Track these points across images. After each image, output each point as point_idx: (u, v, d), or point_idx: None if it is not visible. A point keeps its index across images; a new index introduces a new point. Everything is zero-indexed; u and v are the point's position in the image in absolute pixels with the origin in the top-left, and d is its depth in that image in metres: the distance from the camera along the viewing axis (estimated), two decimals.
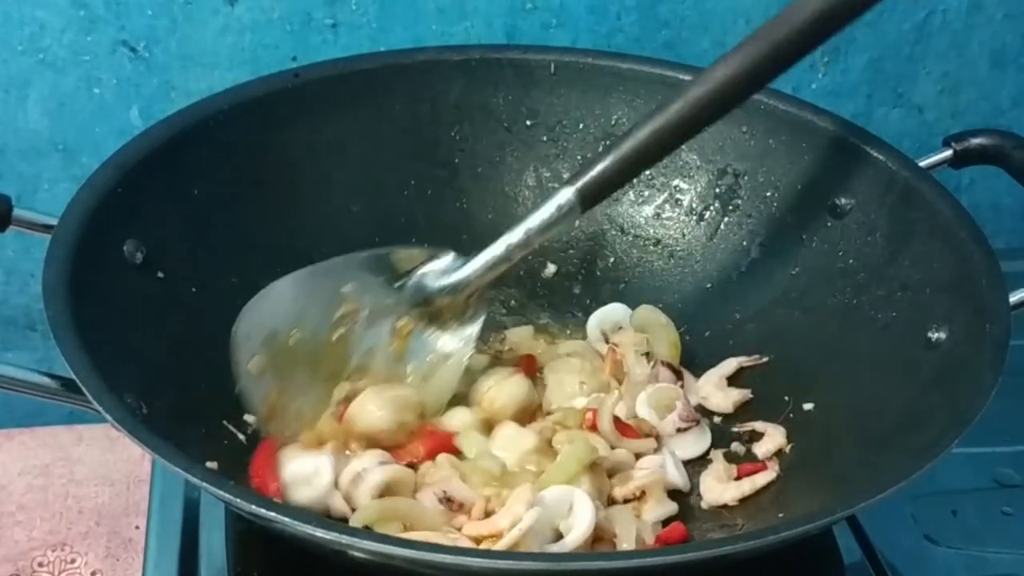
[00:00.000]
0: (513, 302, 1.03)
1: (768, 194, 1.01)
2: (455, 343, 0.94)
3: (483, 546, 0.79)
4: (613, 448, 0.89)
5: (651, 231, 1.05)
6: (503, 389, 0.92)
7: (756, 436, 0.93)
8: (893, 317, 0.91)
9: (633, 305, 1.02)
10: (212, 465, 0.78)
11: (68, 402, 0.78)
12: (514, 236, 0.90)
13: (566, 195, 0.89)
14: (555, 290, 1.05)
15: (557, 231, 0.90)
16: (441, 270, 0.93)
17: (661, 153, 0.91)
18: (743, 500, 0.88)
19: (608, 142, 0.92)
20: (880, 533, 0.91)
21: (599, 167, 0.89)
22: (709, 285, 1.02)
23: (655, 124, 0.88)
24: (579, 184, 0.89)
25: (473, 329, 0.94)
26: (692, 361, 0.99)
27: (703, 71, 0.89)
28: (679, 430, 0.92)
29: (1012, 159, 0.98)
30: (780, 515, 0.86)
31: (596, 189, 0.89)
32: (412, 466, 0.87)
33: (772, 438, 0.92)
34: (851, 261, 0.96)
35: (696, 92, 0.88)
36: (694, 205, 1.04)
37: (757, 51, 0.88)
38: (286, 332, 0.90)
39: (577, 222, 0.94)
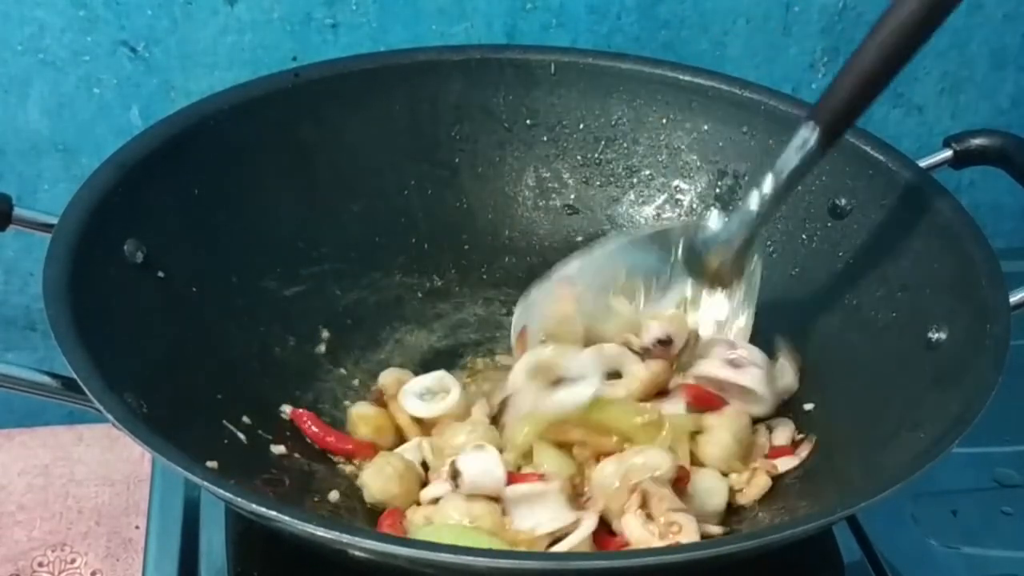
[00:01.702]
0: (514, 304, 1.03)
1: None
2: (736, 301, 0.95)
3: None
4: None
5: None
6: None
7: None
8: (893, 317, 0.91)
9: None
10: (212, 464, 0.78)
11: (68, 401, 0.78)
12: (764, 187, 0.89)
13: (805, 131, 0.87)
14: None
15: (803, 175, 0.89)
16: (710, 232, 0.94)
17: (904, 58, 0.85)
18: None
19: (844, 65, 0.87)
20: (880, 533, 0.91)
21: (837, 92, 0.85)
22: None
23: (890, 27, 0.84)
24: (817, 114, 0.86)
25: (754, 281, 0.94)
26: None
27: None
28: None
29: (1012, 159, 0.98)
30: (779, 514, 0.86)
31: (840, 115, 0.86)
32: None
33: (783, 432, 0.92)
34: (851, 261, 0.96)
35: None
36: (694, 206, 1.04)
37: None
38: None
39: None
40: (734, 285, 0.95)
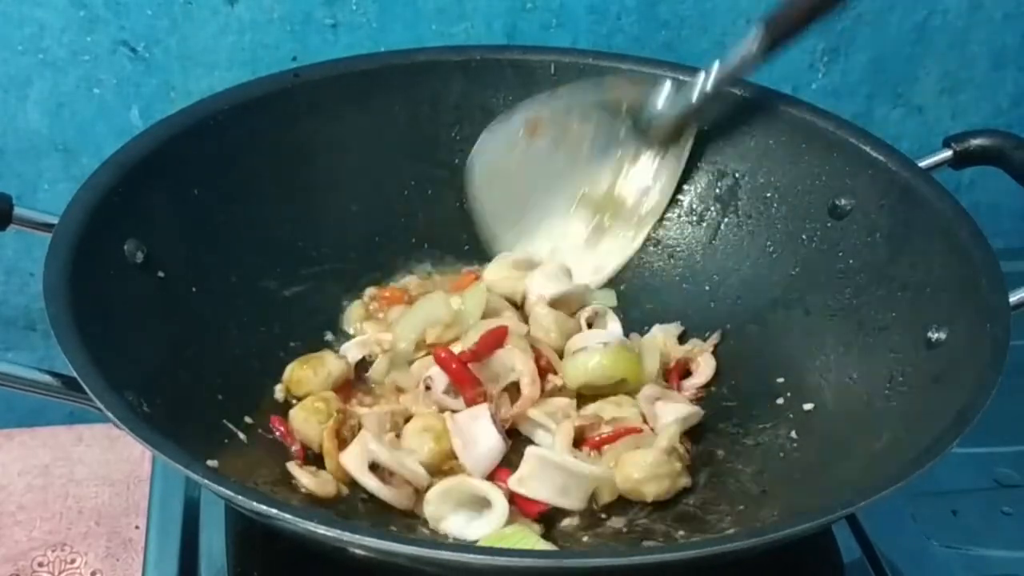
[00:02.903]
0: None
1: (768, 195, 1.01)
2: (670, 164, 1.03)
3: None
4: None
5: (651, 232, 1.05)
6: None
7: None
8: (893, 317, 0.91)
9: (632, 305, 1.02)
10: (213, 463, 0.78)
11: (69, 400, 0.78)
12: (714, 70, 0.98)
13: (753, 32, 0.95)
14: None
15: (747, 67, 0.97)
16: (663, 98, 1.02)
17: None
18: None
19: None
20: (880, 533, 0.91)
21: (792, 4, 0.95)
22: (708, 287, 1.02)
23: None
24: (766, 18, 0.95)
25: (686, 150, 1.03)
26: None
27: None
28: None
29: (1012, 159, 0.98)
30: (779, 514, 0.86)
31: (785, 28, 0.95)
32: None
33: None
34: (851, 261, 0.96)
35: None
36: (694, 206, 1.04)
37: None
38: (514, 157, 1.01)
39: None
40: (666, 153, 1.02)
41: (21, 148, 1.11)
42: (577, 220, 1.03)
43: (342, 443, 0.88)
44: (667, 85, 1.01)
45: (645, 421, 0.93)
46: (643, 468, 0.87)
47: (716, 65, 0.98)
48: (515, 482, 0.85)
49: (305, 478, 0.85)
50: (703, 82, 0.99)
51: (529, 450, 0.87)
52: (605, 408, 0.93)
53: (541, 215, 1.03)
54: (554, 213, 1.03)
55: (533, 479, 0.85)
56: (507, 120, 1.02)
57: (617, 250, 1.03)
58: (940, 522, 0.94)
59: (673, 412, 0.92)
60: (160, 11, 1.08)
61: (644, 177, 1.03)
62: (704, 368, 0.97)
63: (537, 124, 1.01)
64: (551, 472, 0.85)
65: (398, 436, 0.90)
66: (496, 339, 0.91)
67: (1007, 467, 0.99)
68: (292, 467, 0.86)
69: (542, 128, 1.01)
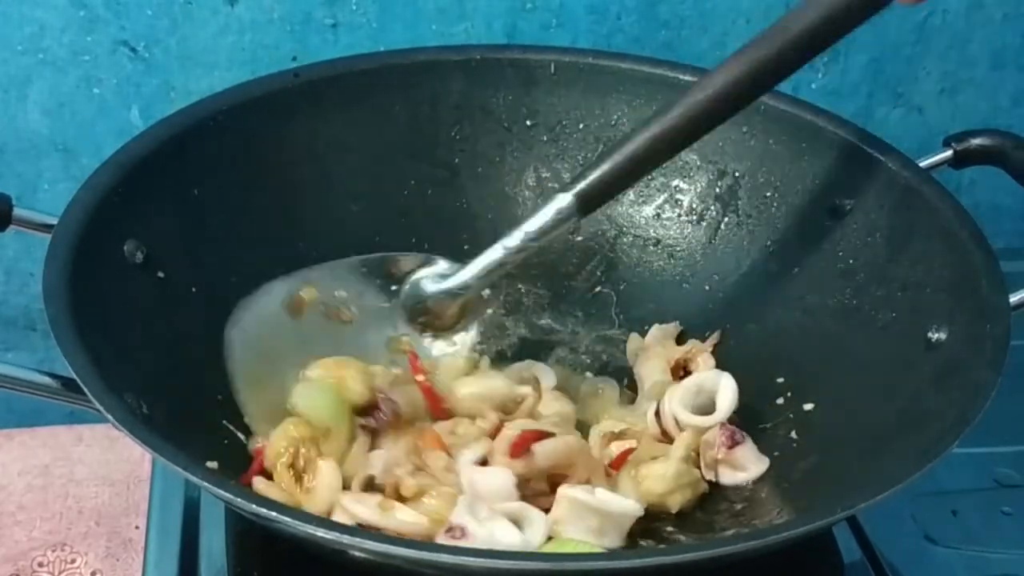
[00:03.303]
0: (513, 304, 1.03)
1: (768, 194, 1.01)
2: (449, 349, 0.95)
3: None
4: None
5: (651, 231, 1.05)
6: None
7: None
8: (893, 317, 0.91)
9: (633, 305, 1.02)
10: (212, 465, 0.78)
11: (68, 402, 0.78)
12: (511, 240, 0.90)
13: (564, 200, 0.88)
14: (555, 291, 1.05)
15: (554, 235, 0.90)
16: (437, 274, 0.95)
17: (661, 158, 0.90)
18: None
19: (606, 147, 0.92)
20: (880, 533, 0.91)
21: (598, 172, 0.88)
22: (708, 286, 1.02)
23: (655, 129, 0.88)
24: (577, 189, 0.88)
25: (469, 336, 0.95)
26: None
27: (704, 76, 0.89)
28: None
29: (1012, 159, 0.98)
30: (779, 514, 0.86)
31: (595, 194, 0.89)
32: None
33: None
34: (851, 261, 0.96)
35: (697, 97, 0.87)
36: (694, 205, 1.04)
37: (758, 56, 0.87)
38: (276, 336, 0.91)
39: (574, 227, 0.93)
40: (456, 329, 0.95)
41: (21, 148, 1.11)
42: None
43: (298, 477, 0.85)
44: (441, 266, 0.95)
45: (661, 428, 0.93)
46: (665, 481, 0.87)
47: (512, 235, 0.90)
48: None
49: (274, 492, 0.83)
50: (488, 256, 0.91)
51: (561, 490, 0.83)
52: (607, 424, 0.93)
53: None
54: None
55: (567, 523, 0.82)
56: (266, 295, 0.93)
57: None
58: (940, 522, 0.94)
59: (690, 417, 0.92)
60: (160, 11, 1.08)
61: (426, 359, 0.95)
62: (703, 368, 0.97)
63: (300, 305, 0.94)
64: (586, 514, 0.82)
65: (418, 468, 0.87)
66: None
67: (1007, 467, 0.99)
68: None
69: (305, 309, 0.94)
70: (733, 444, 0.89)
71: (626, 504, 0.83)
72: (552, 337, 1.01)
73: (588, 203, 0.89)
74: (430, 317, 0.95)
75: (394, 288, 0.95)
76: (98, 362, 0.76)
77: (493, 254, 0.91)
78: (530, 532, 0.81)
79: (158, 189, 0.91)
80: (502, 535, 0.79)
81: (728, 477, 0.90)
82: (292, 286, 0.94)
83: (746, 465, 0.90)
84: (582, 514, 0.82)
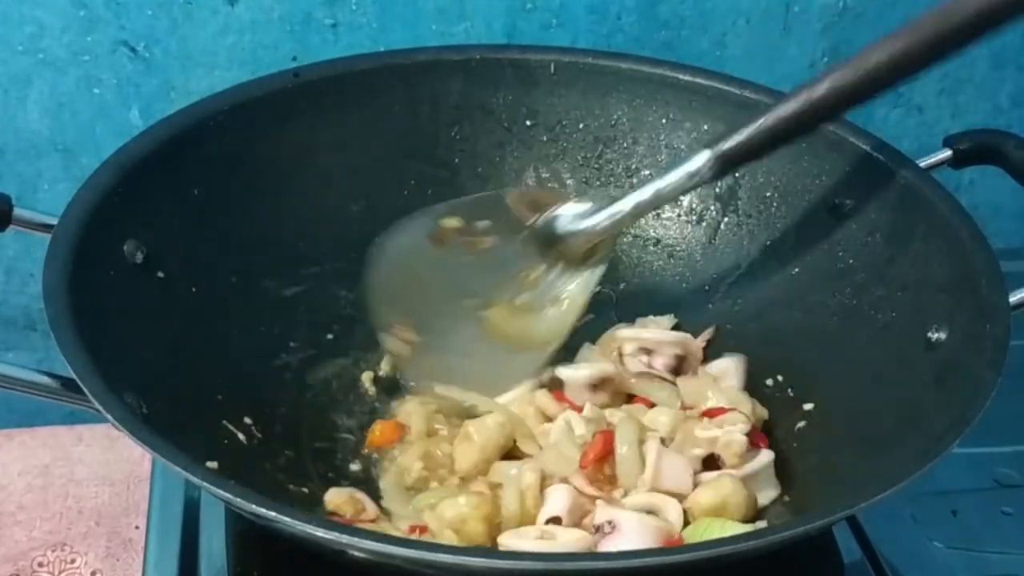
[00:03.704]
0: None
1: (768, 194, 1.01)
2: (577, 286, 0.96)
3: None
4: None
5: (651, 231, 1.05)
6: None
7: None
8: (893, 317, 0.91)
9: (632, 305, 1.02)
10: (212, 465, 0.78)
11: (68, 402, 0.78)
12: (643, 195, 0.92)
13: (702, 158, 0.89)
14: None
15: (685, 192, 0.93)
16: (573, 214, 0.96)
17: (802, 131, 0.90)
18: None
19: (748, 115, 0.92)
20: (880, 533, 0.91)
21: (741, 135, 0.89)
22: (708, 286, 1.02)
23: (800, 101, 0.88)
24: (717, 149, 0.89)
25: (596, 274, 0.96)
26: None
27: (856, 56, 0.88)
28: None
29: (1012, 159, 0.98)
30: (779, 515, 0.86)
31: (734, 158, 0.90)
32: None
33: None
34: (851, 261, 0.96)
35: (843, 74, 0.87)
36: (694, 206, 1.04)
37: (911, 40, 0.87)
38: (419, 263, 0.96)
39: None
40: (576, 271, 0.97)
41: (21, 148, 1.11)
42: (475, 332, 0.97)
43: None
44: (581, 206, 0.96)
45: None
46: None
47: (645, 189, 0.92)
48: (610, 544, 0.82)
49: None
50: (621, 206, 0.93)
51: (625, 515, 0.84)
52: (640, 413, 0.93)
53: (437, 320, 0.97)
54: (452, 319, 0.97)
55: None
56: (418, 220, 0.98)
57: (518, 373, 0.97)
58: (940, 522, 0.94)
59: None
60: (160, 11, 1.08)
61: (550, 293, 0.97)
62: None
63: (443, 235, 0.97)
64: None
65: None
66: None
67: (1007, 467, 0.99)
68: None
69: (448, 239, 0.97)
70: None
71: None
72: None
73: (726, 166, 0.90)
74: (561, 251, 0.97)
75: (530, 222, 0.97)
76: (98, 362, 0.76)
77: (625, 204, 0.93)
78: (671, 518, 0.84)
79: (158, 189, 0.91)
80: (649, 521, 0.82)
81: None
82: (439, 212, 0.98)
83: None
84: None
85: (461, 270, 0.97)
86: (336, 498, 0.86)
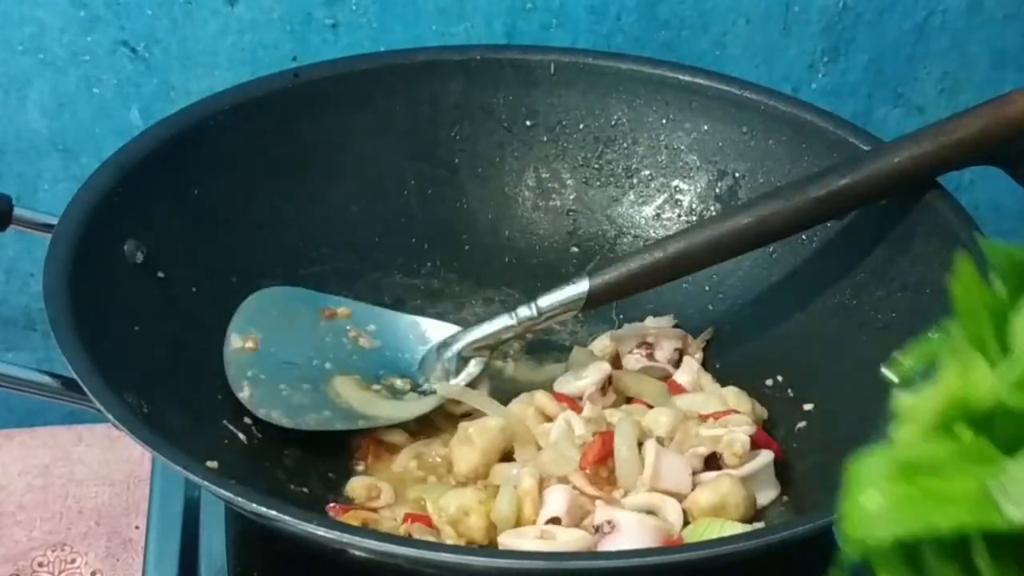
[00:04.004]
0: (514, 304, 1.03)
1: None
2: (442, 388, 0.94)
3: None
4: None
5: (651, 231, 1.05)
6: None
7: None
8: (893, 317, 0.91)
9: (633, 305, 1.02)
10: (212, 465, 0.78)
11: (68, 401, 0.78)
12: (526, 311, 0.93)
13: (581, 287, 0.92)
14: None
15: (564, 313, 0.93)
16: (445, 342, 0.96)
17: (682, 272, 0.94)
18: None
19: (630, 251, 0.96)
20: None
21: (619, 270, 0.92)
22: (708, 286, 1.02)
23: (684, 242, 0.92)
24: (596, 280, 0.92)
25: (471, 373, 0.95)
26: None
27: (748, 202, 0.93)
28: None
29: (1012, 159, 0.98)
30: (779, 515, 0.86)
31: (608, 291, 0.93)
32: None
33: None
34: (851, 261, 0.96)
35: (732, 221, 0.92)
36: (694, 206, 1.04)
37: (796, 199, 0.91)
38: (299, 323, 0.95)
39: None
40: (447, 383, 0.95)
41: (21, 148, 1.11)
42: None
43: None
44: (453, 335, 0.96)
45: None
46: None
47: (533, 307, 0.93)
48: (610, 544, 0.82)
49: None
50: (515, 318, 0.93)
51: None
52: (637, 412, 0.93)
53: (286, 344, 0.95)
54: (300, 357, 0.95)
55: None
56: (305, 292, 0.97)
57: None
58: None
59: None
60: (160, 11, 1.07)
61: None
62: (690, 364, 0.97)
63: (333, 314, 0.97)
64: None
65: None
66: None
67: None
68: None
69: (336, 317, 0.97)
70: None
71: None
72: (552, 338, 1.01)
73: (600, 296, 0.92)
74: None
75: (420, 347, 0.97)
76: (98, 362, 0.76)
77: (506, 320, 0.93)
78: (670, 518, 0.83)
79: (158, 189, 0.91)
80: (649, 521, 0.82)
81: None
82: (333, 300, 0.97)
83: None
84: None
85: (335, 342, 0.95)
86: (356, 484, 0.88)
